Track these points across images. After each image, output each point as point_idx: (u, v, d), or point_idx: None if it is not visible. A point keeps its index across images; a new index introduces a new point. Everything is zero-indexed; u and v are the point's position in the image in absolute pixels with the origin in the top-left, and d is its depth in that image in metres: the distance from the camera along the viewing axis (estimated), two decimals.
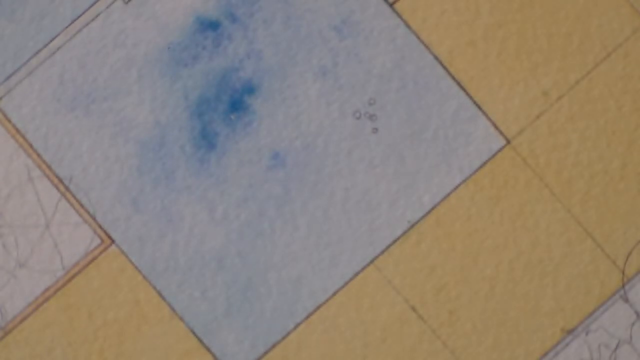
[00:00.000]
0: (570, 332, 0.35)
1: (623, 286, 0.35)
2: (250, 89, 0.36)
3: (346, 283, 0.35)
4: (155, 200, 0.35)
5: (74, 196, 0.35)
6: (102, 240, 0.35)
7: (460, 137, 0.35)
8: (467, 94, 0.35)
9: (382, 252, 0.35)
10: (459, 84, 0.35)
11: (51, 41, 0.36)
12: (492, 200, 0.35)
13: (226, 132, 0.36)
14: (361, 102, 0.36)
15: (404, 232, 0.35)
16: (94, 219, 0.35)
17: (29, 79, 0.35)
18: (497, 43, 0.35)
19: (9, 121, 0.35)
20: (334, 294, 0.35)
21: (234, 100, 0.36)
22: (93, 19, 0.36)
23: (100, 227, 0.35)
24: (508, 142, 0.35)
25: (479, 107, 0.35)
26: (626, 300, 0.35)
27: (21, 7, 0.35)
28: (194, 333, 0.35)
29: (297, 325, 0.35)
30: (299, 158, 0.36)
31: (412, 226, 0.35)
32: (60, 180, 0.35)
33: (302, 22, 0.36)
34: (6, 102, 0.35)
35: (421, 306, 0.35)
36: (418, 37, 0.35)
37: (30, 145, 0.35)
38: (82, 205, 0.35)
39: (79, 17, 0.36)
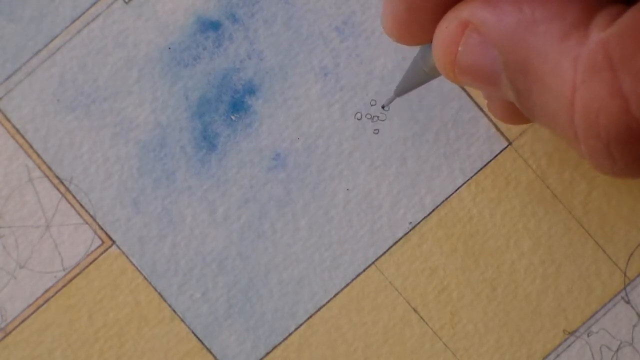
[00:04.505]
0: (572, 333, 0.35)
1: (625, 287, 0.35)
2: (251, 90, 0.36)
3: (347, 284, 0.35)
4: (156, 201, 0.35)
5: (74, 197, 0.35)
6: (103, 241, 0.35)
7: (461, 138, 0.35)
8: (469, 95, 0.35)
9: (384, 253, 0.35)
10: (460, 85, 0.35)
11: (51, 41, 0.35)
12: (494, 201, 0.35)
13: (227, 132, 0.35)
14: (362, 103, 0.36)
15: (406, 234, 0.35)
16: (95, 219, 0.35)
17: (29, 79, 0.35)
18: None
19: (9, 121, 0.35)
20: (335, 295, 0.35)
21: (234, 101, 0.36)
22: (93, 19, 0.35)
23: (100, 228, 0.35)
24: (509, 143, 0.35)
25: (480, 108, 0.35)
26: (628, 301, 0.35)
27: (21, 7, 0.35)
28: (194, 334, 0.35)
29: (298, 327, 0.35)
30: (300, 159, 0.35)
31: (414, 227, 0.35)
32: (61, 181, 0.35)
33: (303, 22, 0.36)
34: (6, 102, 0.35)
35: (423, 307, 0.35)
36: None
37: (30, 146, 0.35)
38: (82, 206, 0.35)
39: (79, 17, 0.35)
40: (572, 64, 0.23)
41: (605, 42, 0.23)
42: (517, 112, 0.29)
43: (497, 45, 0.25)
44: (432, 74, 0.30)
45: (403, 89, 0.33)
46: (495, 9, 0.25)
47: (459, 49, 0.26)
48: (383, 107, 0.35)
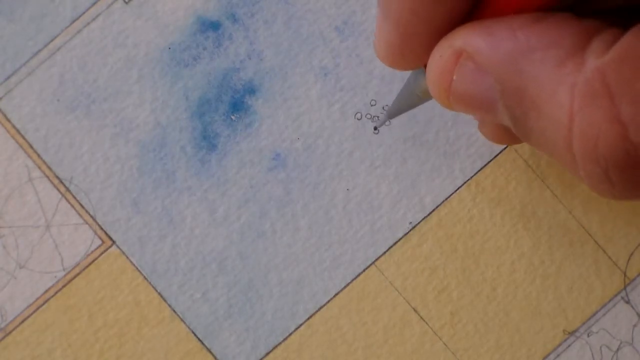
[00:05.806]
0: (572, 333, 0.35)
1: (625, 287, 0.35)
2: (251, 90, 0.36)
3: (347, 284, 0.35)
4: (156, 201, 0.35)
5: (74, 197, 0.35)
6: (103, 241, 0.35)
7: (461, 138, 0.35)
8: None
9: (384, 253, 0.35)
10: None
11: (51, 41, 0.35)
12: (494, 201, 0.35)
13: (227, 132, 0.35)
14: (362, 103, 0.36)
15: (406, 234, 0.35)
16: (95, 219, 0.35)
17: (29, 79, 0.35)
18: None
19: (9, 121, 0.35)
20: (335, 295, 0.35)
21: (234, 101, 0.36)
22: (93, 19, 0.35)
23: (100, 228, 0.35)
24: None
25: None
26: (628, 301, 0.35)
27: (21, 7, 0.35)
28: (194, 334, 0.35)
29: (298, 327, 0.35)
30: (300, 159, 0.35)
31: (414, 227, 0.35)
32: (61, 181, 0.35)
33: (303, 22, 0.36)
34: (6, 102, 0.35)
35: (423, 307, 0.35)
36: None
37: (30, 146, 0.35)
38: (82, 206, 0.35)
39: (79, 17, 0.35)
40: (569, 91, 0.23)
41: (602, 69, 0.23)
42: (508, 134, 0.29)
43: (493, 73, 0.25)
44: (425, 97, 0.30)
45: (395, 112, 0.33)
46: (489, 37, 0.25)
47: (454, 77, 0.26)
48: (375, 128, 0.35)
